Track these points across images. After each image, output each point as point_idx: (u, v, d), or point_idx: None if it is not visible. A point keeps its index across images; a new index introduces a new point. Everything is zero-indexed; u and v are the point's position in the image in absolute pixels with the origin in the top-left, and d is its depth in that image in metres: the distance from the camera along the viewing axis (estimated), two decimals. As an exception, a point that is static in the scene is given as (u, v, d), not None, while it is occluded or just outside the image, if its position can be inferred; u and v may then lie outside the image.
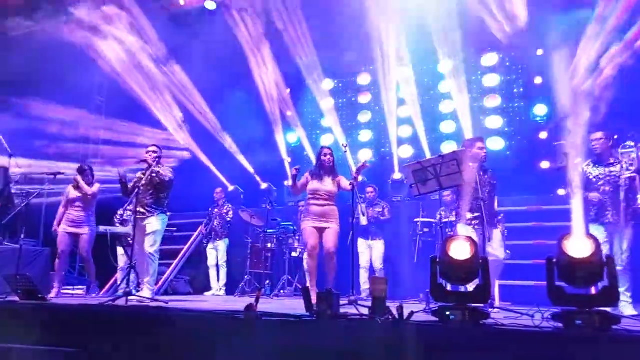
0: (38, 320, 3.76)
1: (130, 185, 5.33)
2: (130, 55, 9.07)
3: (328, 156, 5.23)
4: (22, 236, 5.48)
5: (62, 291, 6.14)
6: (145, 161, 5.33)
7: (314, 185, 5.14)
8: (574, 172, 4.45)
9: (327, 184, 5.15)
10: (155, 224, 5.32)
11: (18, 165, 6.60)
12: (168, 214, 5.61)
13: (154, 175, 5.30)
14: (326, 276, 5.10)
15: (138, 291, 5.23)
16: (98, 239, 6.36)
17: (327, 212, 5.09)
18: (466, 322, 2.65)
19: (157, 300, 4.85)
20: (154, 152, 5.40)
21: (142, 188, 5.18)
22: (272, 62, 9.61)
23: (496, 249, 4.72)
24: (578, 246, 2.52)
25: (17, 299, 4.35)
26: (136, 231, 5.09)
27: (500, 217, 5.01)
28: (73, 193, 6.07)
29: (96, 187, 6.17)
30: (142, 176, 5.35)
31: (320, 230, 5.06)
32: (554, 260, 2.60)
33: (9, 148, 6.33)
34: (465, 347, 2.50)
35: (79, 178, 6.08)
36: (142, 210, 5.30)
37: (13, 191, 6.65)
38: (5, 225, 6.24)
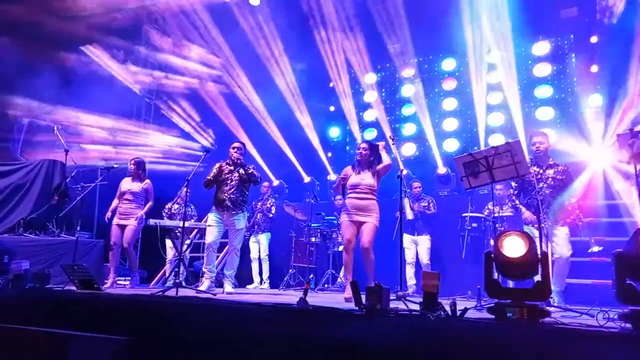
0: (93, 308, 3.89)
1: (212, 176, 5.52)
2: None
3: (361, 150, 5.14)
4: (78, 228, 5.71)
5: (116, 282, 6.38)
6: (231, 158, 5.52)
7: (353, 179, 5.06)
8: None
9: (366, 178, 5.03)
10: (242, 221, 5.55)
11: (74, 161, 6.87)
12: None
13: (247, 172, 5.49)
14: (364, 272, 5.04)
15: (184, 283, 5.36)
16: (148, 231, 6.49)
17: (365, 206, 4.96)
18: (525, 320, 2.54)
19: (207, 292, 4.95)
20: (239, 148, 5.59)
21: (230, 184, 5.46)
22: (313, 55, 9.62)
23: (559, 245, 4.53)
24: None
25: (74, 288, 4.54)
26: (219, 223, 5.44)
27: (574, 217, 4.79)
28: (124, 186, 6.24)
29: (145, 184, 6.31)
30: (230, 171, 5.54)
31: (358, 224, 4.96)
32: (624, 255, 2.43)
33: (65, 144, 6.59)
34: (524, 346, 2.38)
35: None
36: (230, 205, 5.47)
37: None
38: (62, 217, 6.52)
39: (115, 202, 6.29)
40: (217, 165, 5.62)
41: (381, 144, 5.10)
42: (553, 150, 5.02)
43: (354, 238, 5.02)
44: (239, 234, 5.53)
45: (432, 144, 9.04)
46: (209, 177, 5.52)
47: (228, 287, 5.42)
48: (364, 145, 5.18)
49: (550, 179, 4.61)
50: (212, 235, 5.49)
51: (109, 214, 6.21)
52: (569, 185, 4.65)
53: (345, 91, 10.01)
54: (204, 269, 5.56)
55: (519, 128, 7.94)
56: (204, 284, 5.33)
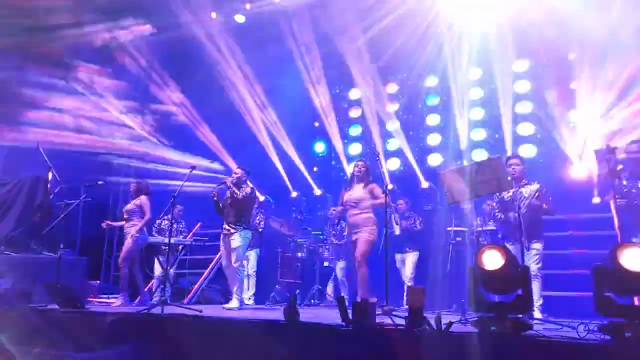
0: (77, 327, 3.85)
1: (221, 204, 5.95)
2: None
3: (359, 167, 5.35)
4: (62, 246, 5.63)
5: (98, 300, 6.32)
6: (224, 183, 5.93)
7: (345, 196, 5.21)
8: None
9: (356, 192, 5.21)
10: (237, 240, 5.78)
11: (57, 178, 6.78)
12: (252, 230, 6.23)
13: (232, 194, 5.87)
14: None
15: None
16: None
17: (357, 222, 5.13)
18: (508, 333, 2.59)
19: (193, 309, 4.91)
20: (235, 173, 6.06)
21: (227, 207, 5.88)
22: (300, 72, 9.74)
23: (527, 261, 4.65)
24: (634, 258, 2.39)
25: (57, 306, 4.47)
26: (223, 246, 5.86)
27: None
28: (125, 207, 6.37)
29: (139, 200, 6.31)
30: (229, 196, 5.96)
31: (355, 242, 5.09)
32: (602, 269, 2.50)
33: (49, 161, 6.52)
34: (507, 359, 2.43)
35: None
36: (227, 227, 5.87)
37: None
38: (44, 235, 6.43)
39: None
40: (227, 193, 6.04)
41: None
42: (533, 166, 5.15)
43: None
44: (234, 252, 5.75)
45: (413, 160, 9.16)
46: (220, 205, 5.95)
47: (232, 302, 5.69)
48: (360, 162, 5.42)
49: (524, 198, 4.74)
50: (223, 260, 5.94)
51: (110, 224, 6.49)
52: (543, 203, 4.77)
53: (330, 107, 10.14)
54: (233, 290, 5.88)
55: (508, 144, 8.16)
56: (232, 303, 5.72)
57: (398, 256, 7.13)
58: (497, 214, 5.01)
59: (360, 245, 5.03)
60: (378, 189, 5.15)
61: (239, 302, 5.74)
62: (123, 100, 9.46)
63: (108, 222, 6.58)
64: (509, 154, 7.26)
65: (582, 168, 7.56)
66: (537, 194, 4.77)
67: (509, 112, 8.55)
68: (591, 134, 7.40)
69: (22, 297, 4.45)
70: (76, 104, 8.74)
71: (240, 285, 5.82)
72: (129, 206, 6.35)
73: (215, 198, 5.87)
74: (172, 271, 5.76)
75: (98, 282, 7.73)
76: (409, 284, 6.83)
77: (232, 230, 5.80)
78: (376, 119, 9.83)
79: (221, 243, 5.97)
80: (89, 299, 6.23)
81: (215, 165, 9.39)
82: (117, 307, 5.76)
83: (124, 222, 6.42)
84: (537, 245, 4.75)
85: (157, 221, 7.43)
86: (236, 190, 5.85)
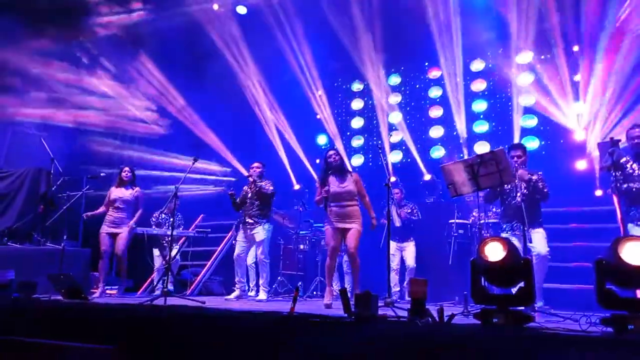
0: (80, 318, 3.86)
1: (238, 200, 6.05)
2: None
3: (333, 156, 5.27)
4: (65, 237, 5.65)
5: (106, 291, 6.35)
6: (250, 176, 6.02)
7: (334, 188, 5.16)
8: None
9: (348, 183, 5.18)
10: (261, 233, 5.91)
11: (60, 169, 6.78)
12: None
13: (257, 189, 5.95)
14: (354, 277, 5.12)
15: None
16: (133, 240, 6.45)
17: (349, 213, 5.11)
18: (510, 326, 2.59)
19: (196, 301, 4.93)
20: (257, 167, 6.11)
21: (248, 201, 5.96)
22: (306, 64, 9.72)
23: (537, 245, 4.67)
24: (635, 252, 2.38)
25: (60, 297, 4.49)
26: (244, 239, 5.93)
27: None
28: (114, 194, 6.24)
29: (136, 191, 6.31)
30: (249, 190, 6.06)
31: (343, 232, 5.08)
32: (604, 262, 2.49)
33: (51, 152, 6.52)
34: (509, 352, 2.43)
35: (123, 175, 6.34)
36: (249, 220, 5.96)
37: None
38: (47, 226, 6.45)
39: (102, 209, 6.27)
40: (244, 188, 6.15)
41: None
42: (535, 159, 5.14)
43: (339, 245, 5.16)
44: (261, 245, 5.88)
45: (415, 152, 9.14)
46: (237, 201, 6.01)
47: (260, 295, 5.87)
48: (332, 152, 5.34)
49: (524, 187, 4.73)
50: (237, 249, 5.98)
51: (89, 214, 6.25)
52: (542, 192, 4.78)
53: (332, 99, 10.12)
54: (236, 280, 6.00)
55: (516, 135, 8.14)
56: (234, 293, 5.87)
57: (393, 244, 7.00)
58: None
59: (355, 238, 5.05)
60: (361, 182, 5.23)
61: (266, 294, 5.91)
62: (124, 88, 9.44)
63: (88, 213, 6.31)
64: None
65: (585, 161, 7.55)
66: (538, 182, 4.77)
67: (512, 104, 8.52)
68: (595, 126, 7.36)
69: (26, 287, 4.46)
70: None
71: (267, 277, 5.93)
72: (125, 195, 6.24)
73: (231, 193, 5.96)
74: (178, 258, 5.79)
75: (105, 273, 7.74)
76: (410, 275, 6.83)
77: (255, 224, 5.91)
78: (379, 111, 9.83)
79: (240, 235, 6.01)
80: (92, 290, 6.26)
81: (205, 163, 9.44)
82: (119, 297, 5.80)
83: (103, 209, 6.29)
84: (540, 230, 4.80)
85: (155, 214, 7.43)
86: (262, 184, 5.96)
